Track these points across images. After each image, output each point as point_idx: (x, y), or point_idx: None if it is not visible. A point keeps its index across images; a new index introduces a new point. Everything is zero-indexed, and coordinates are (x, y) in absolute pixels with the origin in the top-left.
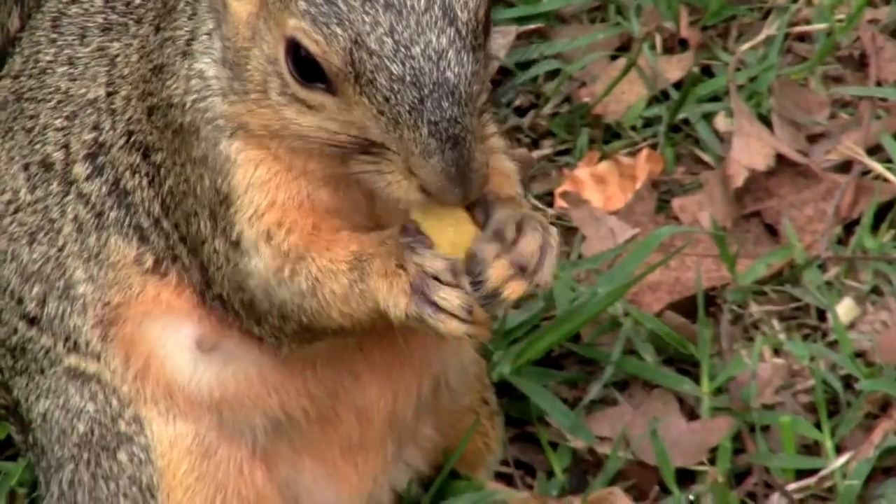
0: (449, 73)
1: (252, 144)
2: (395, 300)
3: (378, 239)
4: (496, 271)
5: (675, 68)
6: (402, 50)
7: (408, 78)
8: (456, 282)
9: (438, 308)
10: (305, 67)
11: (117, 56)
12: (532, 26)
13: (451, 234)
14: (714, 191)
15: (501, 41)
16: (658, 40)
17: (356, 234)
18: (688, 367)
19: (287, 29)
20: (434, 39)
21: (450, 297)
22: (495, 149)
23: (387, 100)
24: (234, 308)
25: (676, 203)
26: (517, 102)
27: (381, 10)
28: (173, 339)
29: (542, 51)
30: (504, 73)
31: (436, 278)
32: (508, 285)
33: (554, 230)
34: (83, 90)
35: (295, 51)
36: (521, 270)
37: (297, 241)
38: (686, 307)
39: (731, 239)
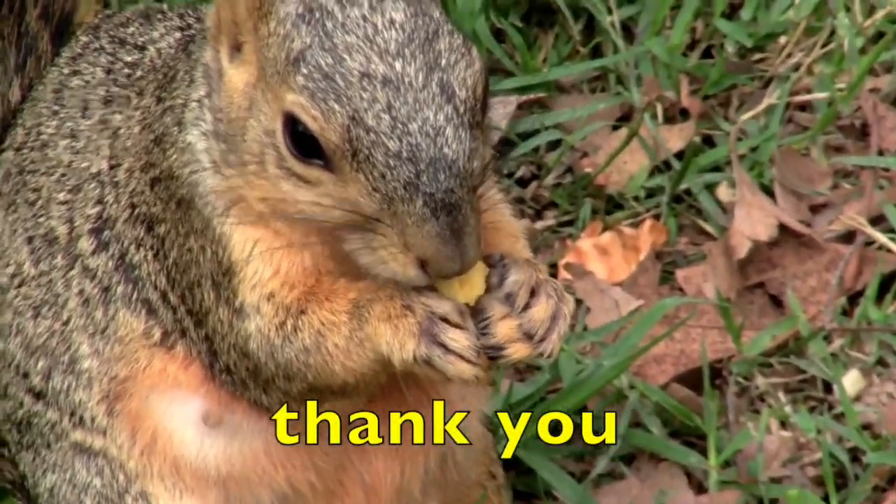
0: (447, 149)
1: (248, 220)
2: (402, 342)
3: (377, 284)
4: (502, 329)
5: (676, 138)
6: (400, 126)
7: (405, 153)
8: (463, 324)
9: (447, 350)
10: (303, 142)
11: (119, 128)
12: (533, 96)
13: (457, 288)
14: (717, 262)
15: (502, 111)
16: (659, 110)
17: (354, 283)
18: (694, 439)
19: (285, 103)
20: (432, 116)
21: (459, 339)
22: (503, 210)
23: (382, 176)
24: (241, 378)
25: (680, 274)
26: (519, 173)
27: (378, 86)
28: (180, 414)
29: (543, 121)
30: (505, 144)
31: (444, 320)
32: (513, 345)
33: (570, 299)
34: (86, 163)
35: (293, 125)
36: (529, 337)
37: (298, 296)
38: (692, 379)
39: (736, 310)
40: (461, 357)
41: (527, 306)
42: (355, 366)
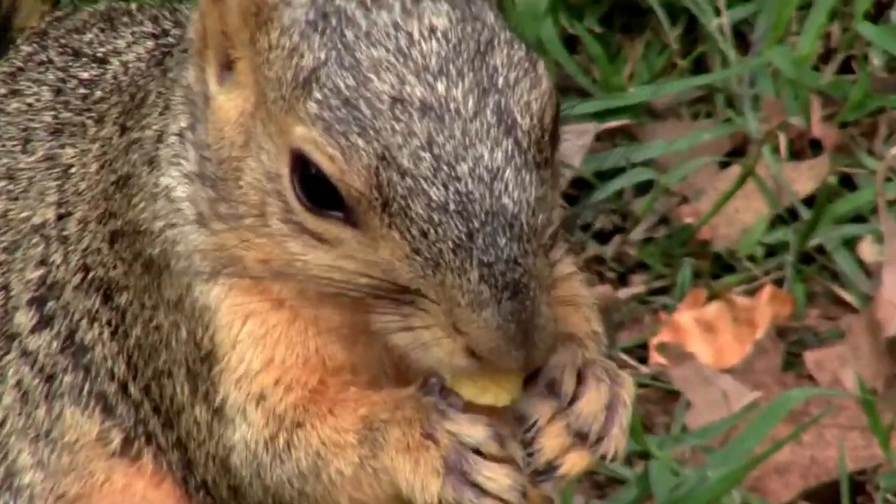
0: (506, 200)
1: (241, 289)
2: (424, 482)
3: (394, 399)
4: (550, 440)
5: (805, 178)
6: (445, 169)
7: (452, 206)
8: (502, 454)
9: (483, 491)
10: (317, 189)
11: (71, 166)
12: (616, 123)
13: (488, 383)
14: (860, 341)
15: (576, 143)
16: (782, 141)
17: (367, 393)
18: None
19: (293, 138)
20: (486, 154)
21: (497, 477)
22: (564, 275)
23: (424, 234)
24: (222, 498)
25: (810, 357)
26: (598, 225)
27: (415, 115)
28: None
29: (628, 156)
30: (580, 186)
31: (476, 451)
32: (567, 457)
33: (628, 380)
34: (26, 213)
35: (303, 168)
36: (582, 437)
37: (295, 402)
38: (826, 496)
39: (884, 405)
40: (501, 500)
41: (573, 398)
42: (367, 499)
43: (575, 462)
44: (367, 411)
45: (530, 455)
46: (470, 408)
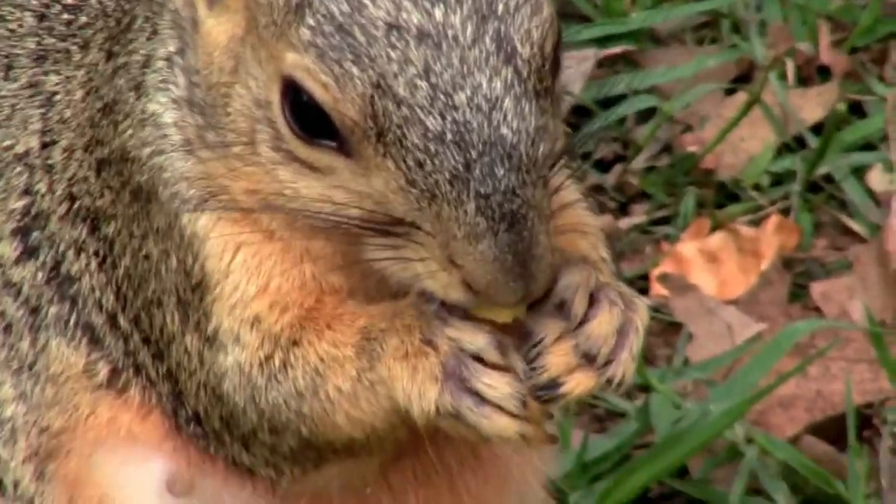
0: (505, 129)
1: (230, 219)
2: (421, 390)
3: (393, 309)
4: (556, 358)
5: (813, 105)
6: (442, 97)
7: (449, 135)
8: (504, 363)
9: (482, 399)
10: (309, 117)
11: (56, 94)
12: (617, 49)
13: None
14: (868, 272)
15: (577, 70)
16: (790, 68)
17: (365, 307)
18: None
19: (284, 65)
20: (485, 83)
21: (497, 385)
22: (570, 201)
23: (420, 165)
24: (214, 430)
25: (817, 289)
26: (599, 154)
27: (412, 42)
28: (135, 479)
29: (630, 83)
30: (580, 114)
31: (477, 358)
32: (572, 376)
33: (642, 306)
34: (9, 141)
35: (295, 95)
36: (590, 360)
37: (291, 321)
38: (831, 430)
39: (892, 337)
40: (500, 409)
41: (584, 319)
42: (364, 416)
43: (580, 381)
44: (365, 322)
45: (533, 370)
46: (472, 320)
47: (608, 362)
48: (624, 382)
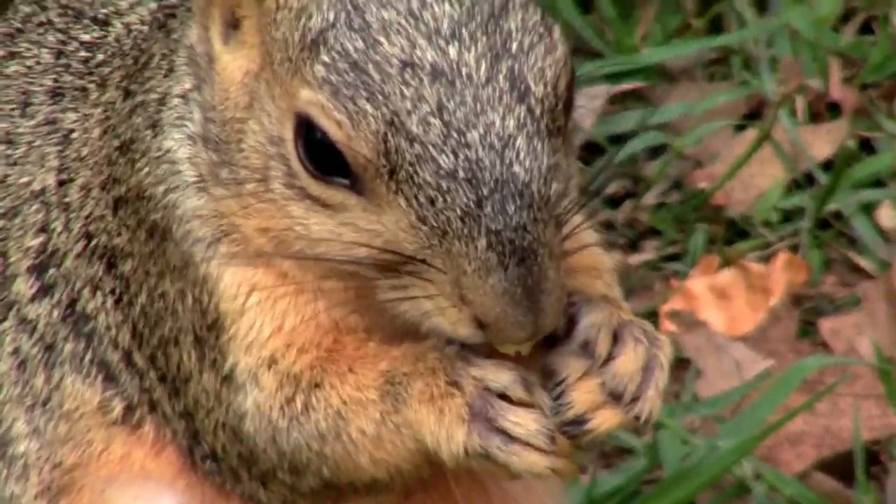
0: (517, 168)
1: (244, 257)
2: (449, 432)
3: (415, 352)
4: (582, 395)
5: (823, 142)
6: (455, 135)
7: (461, 173)
8: (530, 399)
9: (510, 437)
10: (322, 155)
11: (73, 131)
12: (628, 86)
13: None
14: (876, 309)
15: (588, 106)
16: (800, 104)
17: (386, 348)
18: None
19: (298, 101)
20: (498, 121)
21: (524, 422)
22: (585, 241)
23: (432, 202)
24: (231, 467)
25: (826, 325)
26: (609, 190)
27: (426, 79)
28: None
29: (641, 119)
30: (591, 150)
31: (502, 396)
32: (599, 413)
33: (666, 342)
34: (26, 178)
35: (308, 132)
36: (616, 397)
37: (311, 363)
38: (840, 466)
39: None
40: (529, 445)
41: (609, 357)
42: (389, 458)
43: (606, 417)
44: (387, 365)
45: (560, 407)
46: (494, 356)
47: (634, 399)
48: (651, 419)
